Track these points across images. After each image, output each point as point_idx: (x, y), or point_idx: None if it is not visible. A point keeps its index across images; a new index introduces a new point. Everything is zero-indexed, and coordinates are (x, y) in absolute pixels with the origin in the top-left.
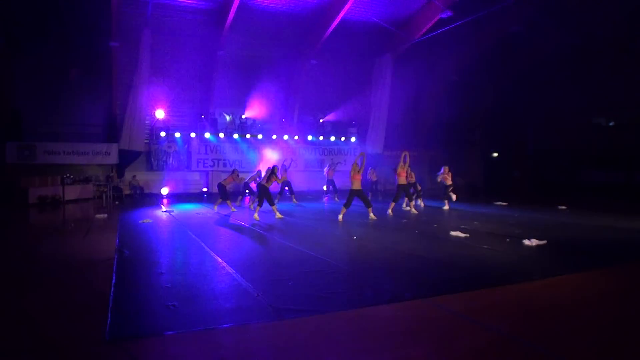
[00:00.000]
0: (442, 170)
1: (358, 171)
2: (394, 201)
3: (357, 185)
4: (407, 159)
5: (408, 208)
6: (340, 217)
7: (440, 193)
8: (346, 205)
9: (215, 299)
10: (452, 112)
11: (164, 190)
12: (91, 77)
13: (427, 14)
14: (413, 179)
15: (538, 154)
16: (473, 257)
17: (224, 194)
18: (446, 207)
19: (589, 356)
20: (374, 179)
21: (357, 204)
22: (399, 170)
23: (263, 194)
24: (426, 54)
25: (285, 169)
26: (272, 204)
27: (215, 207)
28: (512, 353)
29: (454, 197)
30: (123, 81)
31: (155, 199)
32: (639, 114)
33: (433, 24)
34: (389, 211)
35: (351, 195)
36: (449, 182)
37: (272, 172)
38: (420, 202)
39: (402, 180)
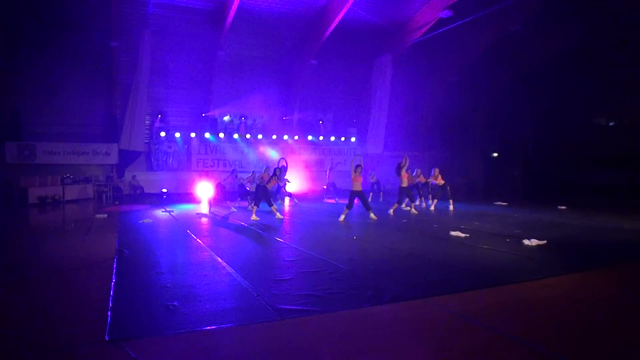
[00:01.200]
0: (432, 173)
1: (359, 174)
2: (397, 203)
3: (357, 187)
4: (407, 162)
5: (408, 208)
6: (342, 217)
7: (435, 194)
8: (348, 207)
9: (215, 299)
10: (452, 112)
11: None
12: (91, 77)
13: (427, 14)
14: (423, 179)
15: (538, 154)
16: (473, 257)
17: (222, 194)
18: (451, 207)
19: (589, 356)
20: (374, 180)
21: (357, 204)
22: (403, 173)
23: (262, 195)
24: (426, 54)
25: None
26: (270, 204)
27: (212, 209)
28: (512, 353)
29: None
30: (123, 81)
31: (155, 199)
32: (639, 114)
33: (433, 24)
34: (390, 211)
35: (352, 196)
36: (441, 182)
37: (274, 174)
38: (432, 205)
39: (404, 183)
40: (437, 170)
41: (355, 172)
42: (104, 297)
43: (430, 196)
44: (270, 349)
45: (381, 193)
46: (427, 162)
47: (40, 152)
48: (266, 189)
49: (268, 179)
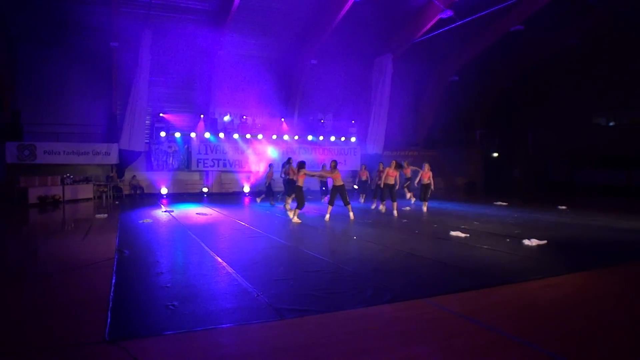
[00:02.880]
0: (423, 168)
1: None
2: (394, 201)
3: (338, 182)
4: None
5: (408, 208)
6: (327, 217)
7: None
8: (330, 203)
9: (215, 299)
10: (452, 112)
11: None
12: (91, 77)
13: (427, 14)
14: (409, 173)
15: (538, 153)
16: (473, 257)
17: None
18: (411, 199)
19: (589, 356)
20: (365, 178)
21: (356, 205)
22: (388, 170)
23: (293, 191)
24: (426, 53)
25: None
26: (302, 205)
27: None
28: (512, 353)
29: (408, 195)
30: (123, 81)
31: (155, 199)
32: (639, 114)
33: (433, 24)
34: (395, 212)
35: (334, 191)
36: (427, 180)
37: (286, 163)
38: (424, 205)
39: (388, 180)
40: (427, 165)
41: (333, 168)
42: (104, 297)
43: (422, 196)
44: (270, 349)
45: (371, 192)
46: (427, 162)
47: (40, 152)
48: (299, 187)
49: (294, 174)
